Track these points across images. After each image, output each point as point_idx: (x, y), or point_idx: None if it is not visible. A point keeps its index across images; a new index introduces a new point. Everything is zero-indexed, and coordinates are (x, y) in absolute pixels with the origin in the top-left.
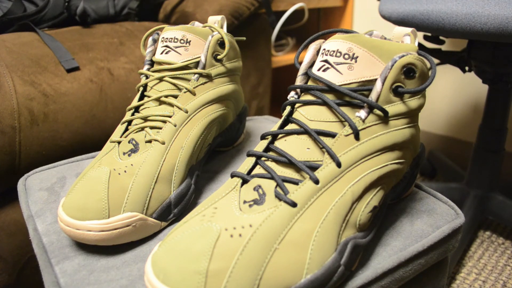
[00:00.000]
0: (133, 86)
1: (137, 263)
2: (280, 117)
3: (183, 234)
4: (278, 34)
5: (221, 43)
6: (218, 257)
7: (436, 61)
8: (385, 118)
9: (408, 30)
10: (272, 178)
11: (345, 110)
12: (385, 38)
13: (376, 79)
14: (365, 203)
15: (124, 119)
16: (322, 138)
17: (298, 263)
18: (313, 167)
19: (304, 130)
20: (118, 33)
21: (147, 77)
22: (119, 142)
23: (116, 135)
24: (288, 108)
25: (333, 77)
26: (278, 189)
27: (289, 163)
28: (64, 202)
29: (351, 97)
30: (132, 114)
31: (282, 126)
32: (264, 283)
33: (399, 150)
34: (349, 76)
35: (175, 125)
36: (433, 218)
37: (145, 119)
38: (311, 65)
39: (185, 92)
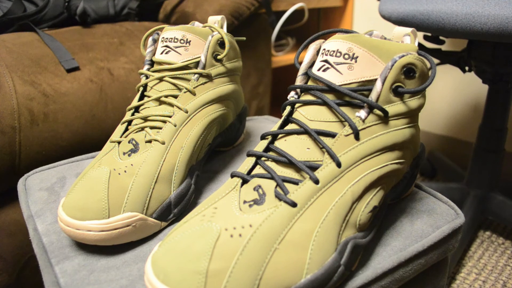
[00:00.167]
0: (133, 86)
1: (137, 263)
2: (280, 117)
3: (183, 234)
4: (278, 34)
5: (221, 43)
6: (218, 257)
7: (436, 61)
8: (385, 118)
9: (408, 30)
10: (272, 178)
11: (345, 110)
12: (385, 38)
13: (376, 79)
14: (365, 203)
15: (124, 119)
16: (322, 138)
17: (298, 263)
18: (313, 167)
19: (304, 130)
20: (118, 33)
21: (147, 77)
22: (119, 142)
23: (116, 135)
24: (288, 108)
25: (333, 77)
26: (278, 189)
27: (289, 163)
28: (64, 202)
29: (351, 97)
30: (132, 114)
31: (282, 126)
32: (264, 283)
33: (399, 150)
34: (349, 76)
35: (175, 125)
36: (433, 218)
37: (145, 119)
38: (311, 65)
39: (185, 92)
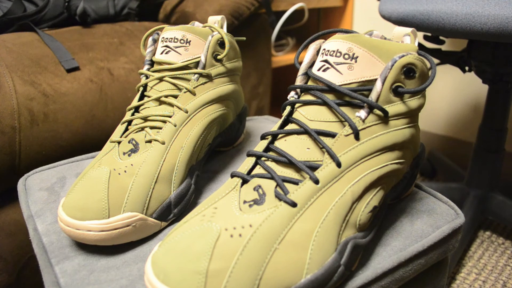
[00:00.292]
0: (133, 86)
1: (137, 263)
2: (280, 117)
3: (183, 234)
4: (278, 34)
5: (221, 43)
6: (218, 257)
7: (436, 61)
8: (385, 118)
9: (408, 30)
10: (272, 178)
11: (345, 110)
12: (385, 38)
13: (376, 79)
14: (365, 203)
15: (124, 119)
16: (322, 138)
17: (298, 263)
18: (313, 167)
19: (304, 130)
20: (118, 33)
21: (147, 77)
22: (119, 142)
23: (116, 135)
24: (288, 108)
25: (333, 77)
26: (278, 189)
27: (289, 163)
28: (64, 202)
29: (351, 97)
30: (132, 114)
31: (282, 126)
32: (264, 283)
33: (399, 150)
34: (349, 76)
35: (175, 125)
36: (433, 218)
37: (145, 119)
38: (311, 65)
39: (185, 92)
